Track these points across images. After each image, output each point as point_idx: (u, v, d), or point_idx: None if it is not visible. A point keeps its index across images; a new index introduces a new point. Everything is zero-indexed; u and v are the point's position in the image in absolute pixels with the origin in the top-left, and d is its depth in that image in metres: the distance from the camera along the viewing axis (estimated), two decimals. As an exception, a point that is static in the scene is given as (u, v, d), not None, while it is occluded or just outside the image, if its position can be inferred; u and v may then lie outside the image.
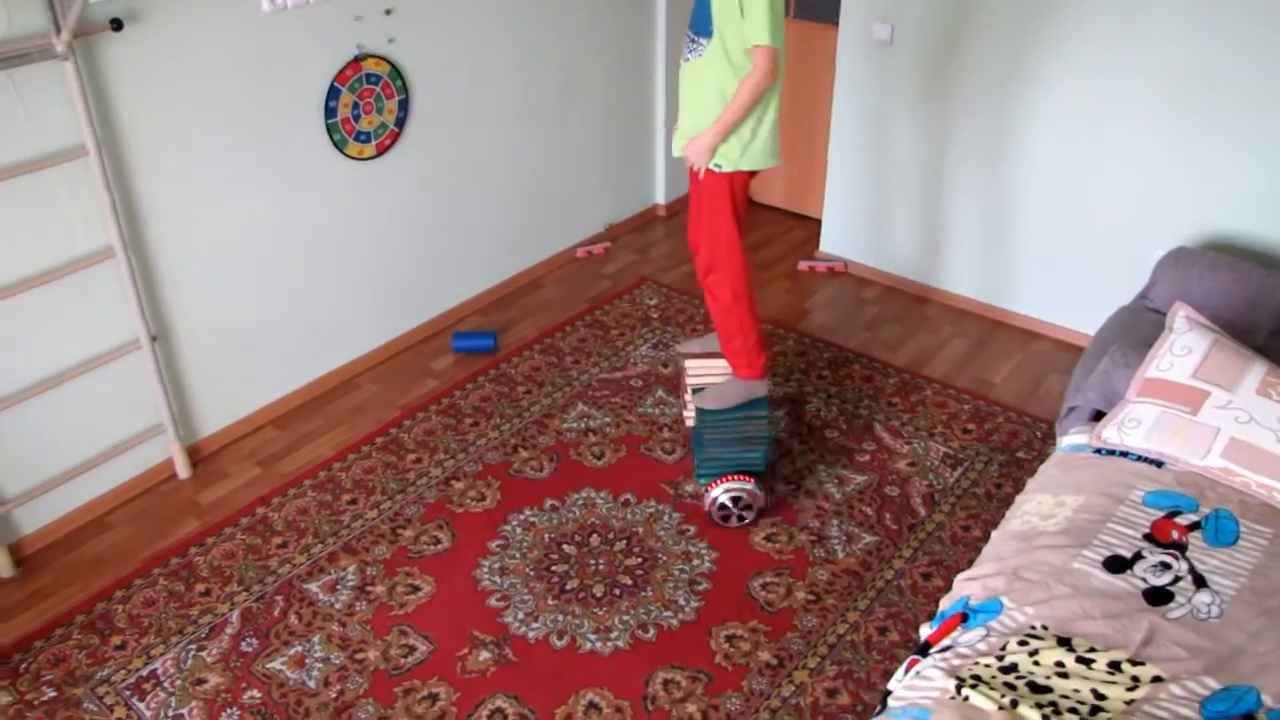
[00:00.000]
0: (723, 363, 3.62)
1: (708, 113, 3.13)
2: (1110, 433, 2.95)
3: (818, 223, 5.08)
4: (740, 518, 3.39)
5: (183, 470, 3.63)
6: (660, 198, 5.49)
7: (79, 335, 3.29)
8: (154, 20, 3.15)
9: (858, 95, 4.60)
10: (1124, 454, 2.89)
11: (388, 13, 3.80)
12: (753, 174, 3.27)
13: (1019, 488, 3.45)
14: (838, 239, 4.95)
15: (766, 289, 4.78)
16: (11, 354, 3.14)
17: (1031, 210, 4.28)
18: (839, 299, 4.73)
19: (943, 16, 4.21)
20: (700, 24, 3.08)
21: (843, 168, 4.79)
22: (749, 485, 3.32)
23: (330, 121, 3.75)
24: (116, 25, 3.03)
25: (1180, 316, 3.10)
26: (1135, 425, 2.90)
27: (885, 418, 3.91)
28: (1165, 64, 3.75)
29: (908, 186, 4.61)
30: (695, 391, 3.56)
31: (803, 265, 4.96)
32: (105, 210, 3.17)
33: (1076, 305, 4.29)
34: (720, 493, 3.33)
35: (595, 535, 3.38)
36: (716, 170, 3.19)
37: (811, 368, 4.20)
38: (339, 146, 3.82)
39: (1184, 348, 2.98)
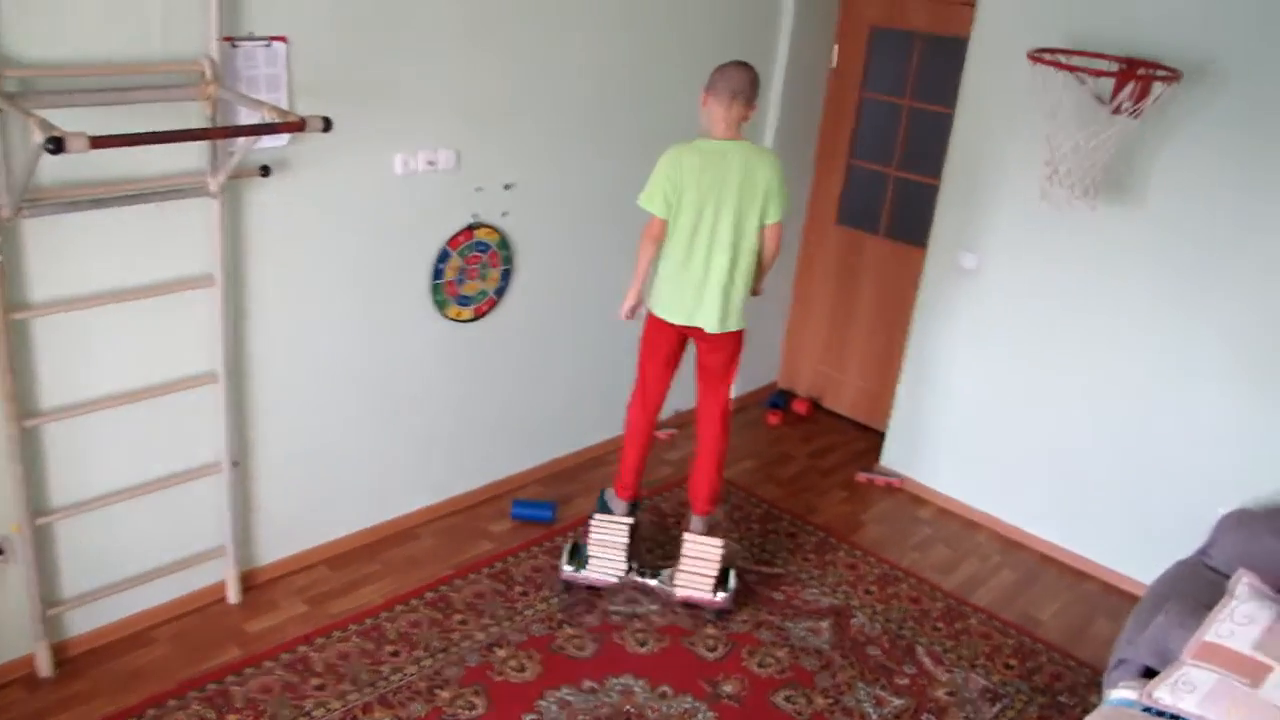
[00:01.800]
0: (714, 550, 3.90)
1: None
2: (1163, 693, 2.91)
3: (881, 436, 5.17)
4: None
5: (233, 595, 3.68)
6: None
7: (166, 451, 3.41)
8: (297, 169, 3.40)
9: (938, 319, 4.75)
10: (1175, 717, 2.85)
11: (507, 187, 4.06)
12: (671, 323, 3.75)
13: (1062, 736, 3.39)
14: (899, 455, 5.02)
15: (823, 496, 4.83)
16: (99, 460, 3.26)
17: (1094, 452, 4.34)
18: (893, 515, 4.76)
19: (1031, 253, 4.38)
20: None
21: (913, 386, 4.90)
22: (567, 572, 3.89)
23: (436, 282, 3.95)
24: (265, 172, 3.28)
25: (1243, 583, 3.10)
26: (1190, 689, 2.86)
27: (928, 641, 3.88)
28: (1238, 316, 3.88)
29: (975, 413, 4.71)
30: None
31: (861, 477, 5.01)
32: (218, 338, 3.34)
33: (1131, 550, 4.29)
34: (567, 563, 3.89)
35: (631, 723, 3.35)
36: None
37: (860, 581, 4.20)
38: (439, 306, 4.01)
39: (1245, 616, 2.97)
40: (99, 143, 2.35)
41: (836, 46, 5.21)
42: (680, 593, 3.83)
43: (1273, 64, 3.66)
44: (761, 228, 3.61)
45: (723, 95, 3.46)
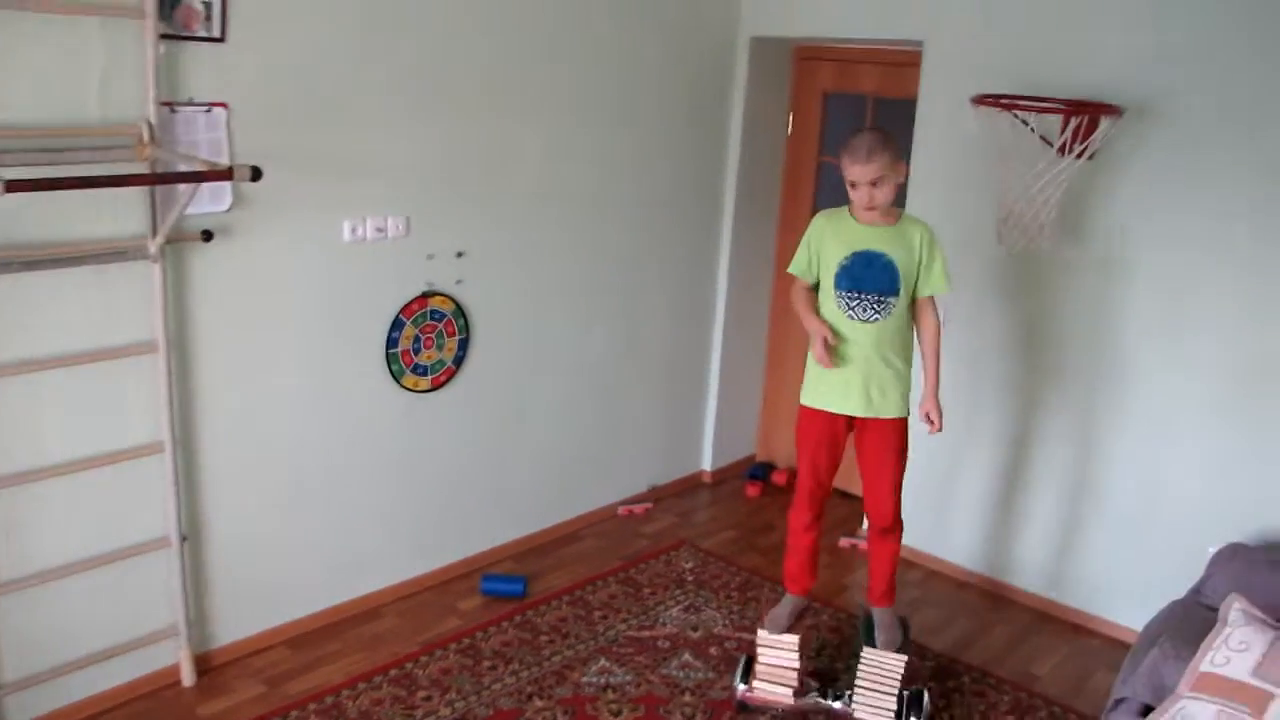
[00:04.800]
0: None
1: (896, 368, 3.48)
2: (1160, 727, 2.75)
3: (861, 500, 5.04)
4: None
5: (188, 678, 3.53)
6: (707, 464, 5.52)
7: (111, 524, 3.30)
8: (242, 235, 3.39)
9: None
10: (1175, 751, 2.68)
11: (460, 255, 4.04)
12: None
13: (1062, 787, 3.19)
14: (882, 519, 4.88)
15: (806, 562, 4.68)
16: (41, 533, 3.15)
17: (1086, 502, 4.23)
18: (879, 579, 4.60)
19: (998, 301, 4.35)
20: (886, 284, 3.40)
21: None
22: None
23: (391, 351, 3.90)
24: (207, 236, 3.27)
25: (1235, 609, 2.96)
26: (1187, 720, 2.71)
27: (922, 703, 3.69)
28: (1224, 354, 3.81)
29: (959, 473, 4.60)
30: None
31: (844, 542, 4.87)
32: (163, 406, 3.28)
33: (1131, 601, 4.11)
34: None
35: (600, 790, 3.17)
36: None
37: (846, 644, 4.03)
38: (395, 376, 3.95)
39: (1240, 642, 2.83)
40: (13, 186, 2.34)
41: (791, 114, 5.28)
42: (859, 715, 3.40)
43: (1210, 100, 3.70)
44: None
45: None
